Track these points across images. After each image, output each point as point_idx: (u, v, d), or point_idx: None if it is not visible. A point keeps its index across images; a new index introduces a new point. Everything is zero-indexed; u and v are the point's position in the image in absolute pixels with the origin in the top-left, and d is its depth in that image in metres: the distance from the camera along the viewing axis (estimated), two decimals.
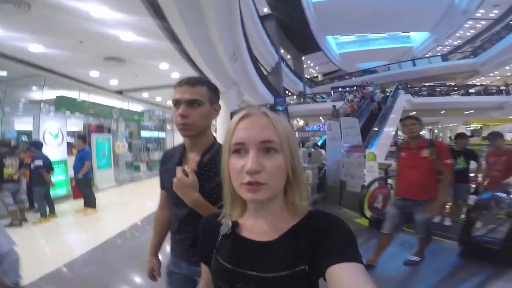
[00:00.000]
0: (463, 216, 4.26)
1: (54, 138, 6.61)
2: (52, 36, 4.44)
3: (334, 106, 12.81)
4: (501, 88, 17.81)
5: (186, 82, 0.97)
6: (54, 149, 6.46)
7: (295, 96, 21.30)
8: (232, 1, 5.55)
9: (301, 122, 21.17)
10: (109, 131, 10.85)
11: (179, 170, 0.94)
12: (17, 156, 4.64)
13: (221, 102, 3.91)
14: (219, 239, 0.62)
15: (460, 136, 4.11)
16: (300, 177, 0.56)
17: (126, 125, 11.89)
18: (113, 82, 7.71)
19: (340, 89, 22.20)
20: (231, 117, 0.59)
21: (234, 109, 0.50)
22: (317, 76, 33.35)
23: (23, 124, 8.43)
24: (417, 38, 26.18)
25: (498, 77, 22.73)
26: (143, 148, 13.60)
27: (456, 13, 19.73)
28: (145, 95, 9.79)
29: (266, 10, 18.56)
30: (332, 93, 21.29)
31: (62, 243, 3.84)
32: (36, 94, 7.68)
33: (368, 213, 4.23)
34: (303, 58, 26.32)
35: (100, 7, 3.74)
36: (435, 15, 20.62)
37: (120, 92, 8.95)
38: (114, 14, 3.94)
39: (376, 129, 10.09)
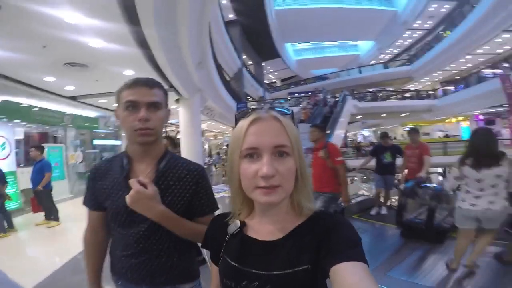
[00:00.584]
0: (392, 202, 5.25)
1: (1, 148, 6.13)
2: (13, 40, 4.28)
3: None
4: (430, 92, 20.92)
5: (144, 83, 0.91)
6: (2, 161, 6.00)
7: (255, 102, 22.05)
8: (205, 9, 5.83)
9: None
10: (55, 140, 10.15)
11: (134, 182, 0.83)
12: None
13: (184, 108, 4.70)
14: (226, 238, 0.64)
15: (384, 135, 4.95)
16: (306, 179, 0.59)
17: (78, 133, 11.21)
18: (69, 88, 7.37)
19: (296, 94, 23.67)
20: (236, 120, 0.60)
21: (240, 111, 0.57)
22: (275, 82, 34.77)
23: None
24: (364, 46, 29.10)
25: (429, 83, 26.46)
26: (96, 157, 12.86)
27: (397, 23, 22.51)
28: (102, 101, 9.43)
29: (231, 16, 19.02)
30: (289, 98, 22.58)
31: (32, 257, 3.74)
32: None
33: None
34: (263, 64, 27.33)
35: (74, 13, 3.78)
36: (379, 25, 23.25)
37: (74, 98, 8.51)
38: (88, 20, 3.99)
39: (328, 132, 11.16)
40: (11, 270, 3.10)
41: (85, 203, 1.05)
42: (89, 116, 10.80)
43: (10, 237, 4.34)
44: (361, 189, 8.56)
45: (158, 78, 6.17)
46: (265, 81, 29.06)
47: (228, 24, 17.42)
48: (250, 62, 26.16)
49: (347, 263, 0.48)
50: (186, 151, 9.37)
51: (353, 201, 5.12)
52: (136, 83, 0.90)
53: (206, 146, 21.42)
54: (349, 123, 17.48)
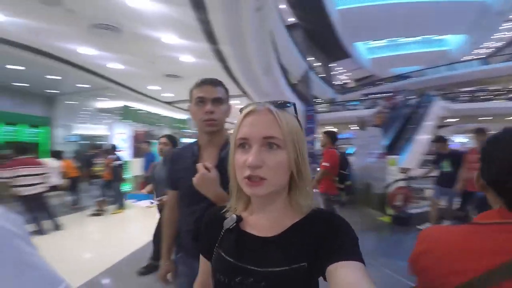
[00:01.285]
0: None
1: (124, 142, 8.17)
2: (128, 56, 5.93)
3: (360, 117, 13.36)
4: None
5: (210, 83, 1.06)
6: (124, 152, 7.98)
7: (325, 104, 21.89)
8: (265, 19, 6.50)
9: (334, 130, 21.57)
10: (152, 137, 12.54)
11: (200, 166, 0.95)
12: (103, 157, 6.02)
13: None
14: (222, 232, 0.63)
15: (439, 139, 4.39)
16: (305, 176, 0.58)
17: (171, 132, 13.58)
18: (167, 94, 9.24)
19: (372, 95, 22.37)
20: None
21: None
22: (348, 83, 33.52)
23: (94, 130, 10.29)
24: (453, 41, 25.49)
25: None
26: None
27: (491, 14, 19.19)
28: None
29: (292, 19, 19.63)
30: (364, 100, 21.55)
31: (139, 228, 5.05)
32: (106, 103, 9.45)
33: (390, 211, 4.93)
34: (332, 65, 26.87)
35: (169, 35, 5.08)
36: (467, 17, 20.20)
37: (170, 103, 10.52)
38: (179, 40, 5.27)
39: (407, 137, 10.49)
40: (123, 237, 4.30)
41: (166, 184, 1.24)
42: (180, 118, 12.95)
43: (123, 213, 5.87)
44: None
45: (233, 86, 7.27)
46: (335, 82, 28.40)
47: (290, 27, 17.92)
48: (318, 64, 26.08)
49: (345, 262, 0.49)
50: None
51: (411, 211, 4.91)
52: (204, 83, 1.07)
53: None
54: (440, 127, 15.63)
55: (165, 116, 11.61)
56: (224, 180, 0.91)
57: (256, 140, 0.54)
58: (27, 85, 8.06)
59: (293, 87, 15.08)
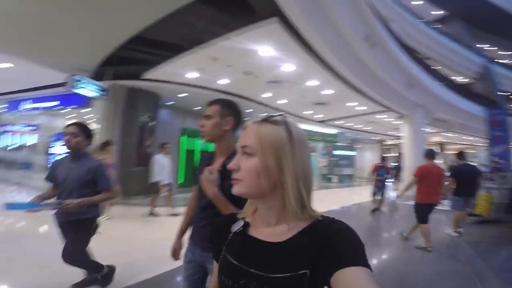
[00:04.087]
0: None
1: None
2: (288, 96, 8.86)
3: None
4: None
5: (208, 103, 1.41)
6: None
7: None
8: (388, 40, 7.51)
9: None
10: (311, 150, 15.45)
11: (206, 169, 1.24)
12: None
13: (406, 124, 8.38)
14: (229, 236, 0.70)
15: None
16: (296, 183, 0.61)
17: (324, 145, 16.14)
18: (318, 116, 11.93)
19: None
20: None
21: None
22: None
23: None
24: None
25: None
26: (335, 164, 17.36)
27: None
28: (338, 122, 13.45)
29: (441, 12, 17.05)
30: None
31: None
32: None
33: None
34: None
35: (314, 82, 7.50)
36: None
37: (322, 121, 13.15)
38: (318, 83, 7.56)
39: None
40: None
41: (191, 181, 1.66)
42: (330, 133, 15.28)
43: None
44: None
45: (373, 105, 8.74)
46: None
47: (442, 22, 15.67)
48: (504, 52, 20.24)
49: (351, 268, 0.50)
50: (408, 164, 10.71)
51: None
52: (207, 103, 1.42)
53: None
54: None
55: (319, 132, 14.29)
56: (226, 185, 1.19)
57: (239, 149, 0.66)
58: (200, 107, 12.73)
59: (462, 89, 13.54)
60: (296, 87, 7.92)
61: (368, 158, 20.16)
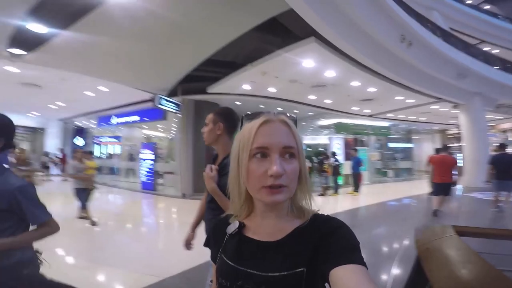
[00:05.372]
0: None
1: (338, 150, 12.24)
2: (336, 96, 9.68)
3: None
4: None
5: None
6: (339, 156, 11.99)
7: None
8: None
9: None
10: (362, 144, 15.70)
11: (207, 167, 1.44)
12: (328, 159, 10.17)
13: (463, 114, 9.31)
14: (225, 238, 0.70)
15: None
16: (307, 182, 0.65)
17: (376, 138, 16.21)
18: (367, 111, 12.36)
19: None
20: (241, 121, 0.78)
21: (246, 114, 0.87)
22: None
23: (316, 140, 15.44)
24: None
25: None
26: (390, 157, 17.20)
27: None
28: (389, 115, 13.59)
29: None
30: None
31: (346, 205, 8.51)
32: (326, 122, 14.17)
33: None
34: None
35: (356, 83, 8.21)
36: None
37: (371, 116, 13.48)
38: (360, 84, 8.24)
39: None
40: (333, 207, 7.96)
41: None
42: (383, 125, 15.34)
43: (336, 196, 9.57)
44: None
45: (423, 97, 9.07)
46: None
47: (490, 5, 14.19)
48: None
49: (347, 266, 0.51)
50: (468, 156, 10.60)
51: None
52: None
53: None
54: None
55: (370, 125, 14.54)
56: (223, 181, 1.22)
57: (276, 150, 0.60)
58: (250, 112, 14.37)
59: None
60: (339, 88, 8.76)
61: (428, 150, 19.34)
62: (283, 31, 5.97)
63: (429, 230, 1.37)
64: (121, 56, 6.40)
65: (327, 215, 0.66)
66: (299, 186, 0.64)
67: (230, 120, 1.65)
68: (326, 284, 0.55)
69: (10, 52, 5.95)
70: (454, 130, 19.28)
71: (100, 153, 18.09)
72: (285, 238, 0.63)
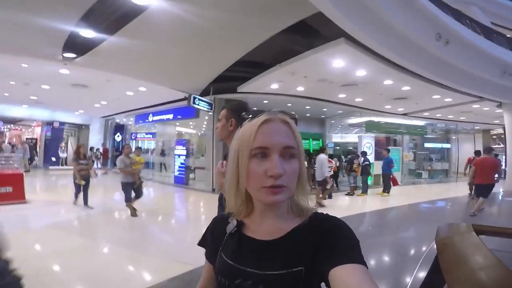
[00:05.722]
0: None
1: (368, 149, 12.00)
2: (368, 95, 9.55)
3: None
4: None
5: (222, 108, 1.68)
6: (369, 156, 11.76)
7: None
8: None
9: None
10: (395, 143, 15.17)
11: (219, 162, 1.42)
12: (357, 159, 10.04)
13: (506, 112, 9.04)
14: (225, 237, 0.71)
15: None
16: (305, 181, 0.66)
17: (411, 138, 15.58)
18: (400, 109, 11.98)
19: None
20: (241, 121, 0.68)
21: (245, 113, 0.70)
22: None
23: (346, 138, 15.20)
24: None
25: None
26: (426, 157, 16.45)
27: None
28: (425, 114, 13.05)
29: None
30: None
31: (373, 205, 8.39)
32: (356, 120, 13.92)
33: None
34: None
35: (389, 81, 8.03)
36: None
37: (405, 114, 13.03)
38: (391, 82, 8.05)
39: None
40: (357, 206, 7.96)
41: None
42: (418, 125, 14.71)
43: (365, 196, 9.45)
44: None
45: (461, 95, 8.65)
46: None
47: None
48: None
49: (347, 265, 0.51)
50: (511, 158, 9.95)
51: None
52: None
53: None
54: None
55: (404, 124, 14.02)
56: None
57: (276, 150, 0.59)
58: (309, 114, 14.15)
59: None
60: (371, 87, 8.64)
61: (469, 151, 18.22)
62: (313, 32, 6.05)
63: (448, 227, 1.44)
64: (160, 59, 6.91)
65: (327, 214, 0.66)
66: (299, 186, 0.64)
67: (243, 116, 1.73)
68: (322, 284, 0.58)
69: (64, 56, 6.70)
70: (499, 130, 17.99)
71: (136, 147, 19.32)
72: (284, 237, 0.63)
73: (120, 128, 19.29)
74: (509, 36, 9.81)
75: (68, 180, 12.99)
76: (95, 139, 18.03)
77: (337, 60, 6.47)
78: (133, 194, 5.94)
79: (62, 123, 17.23)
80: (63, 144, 17.07)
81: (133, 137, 19.55)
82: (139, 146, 9.87)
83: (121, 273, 3.32)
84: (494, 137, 18.68)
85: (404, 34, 5.90)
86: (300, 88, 8.83)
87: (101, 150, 17.29)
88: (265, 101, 10.03)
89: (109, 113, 16.34)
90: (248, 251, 0.65)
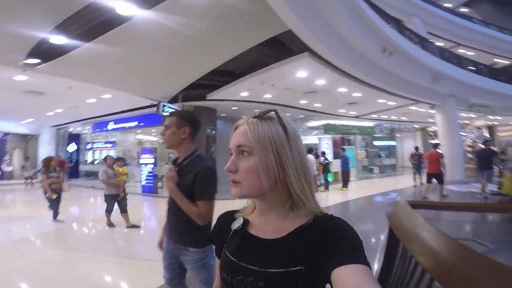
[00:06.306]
0: None
1: (327, 149, 13.19)
2: (326, 102, 10.61)
3: None
4: None
5: (168, 115, 1.71)
6: (328, 155, 12.90)
7: None
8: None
9: None
10: (349, 142, 16.82)
11: (168, 168, 1.52)
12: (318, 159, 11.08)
13: (439, 113, 10.71)
14: (230, 234, 0.73)
15: None
16: (307, 181, 0.65)
17: (362, 138, 17.37)
18: (352, 112, 13.45)
19: None
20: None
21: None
22: None
23: (306, 140, 16.40)
24: None
25: None
26: (376, 154, 18.43)
27: None
28: (373, 116, 14.75)
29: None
30: None
31: (336, 199, 9.40)
32: (315, 123, 15.12)
33: None
34: None
35: (343, 89, 9.15)
36: None
37: (356, 117, 14.58)
38: (347, 91, 9.21)
39: None
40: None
41: None
42: (368, 125, 16.50)
43: (327, 192, 10.47)
44: None
45: (401, 99, 10.11)
46: None
47: (471, 5, 15.70)
48: None
49: (350, 266, 0.51)
50: (444, 152, 11.72)
51: None
52: (167, 115, 1.73)
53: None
54: None
55: (356, 126, 15.66)
56: (182, 181, 1.50)
57: (233, 149, 0.66)
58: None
59: (497, 72, 13.89)
60: (328, 94, 9.72)
61: (411, 147, 20.76)
62: (281, 47, 6.84)
63: (394, 204, 2.01)
64: (133, 68, 7.02)
65: (330, 215, 0.66)
66: (299, 186, 0.64)
67: (196, 124, 1.67)
68: (327, 285, 0.56)
69: (25, 62, 6.28)
70: (434, 128, 20.77)
71: (93, 158, 18.37)
72: (286, 236, 0.64)
73: (74, 137, 18.15)
74: (441, 44, 11.61)
75: (16, 195, 12.07)
76: (45, 151, 16.68)
77: (301, 71, 7.31)
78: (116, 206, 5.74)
79: (6, 134, 15.76)
80: (7, 157, 15.61)
81: (88, 147, 18.54)
82: (120, 156, 9.53)
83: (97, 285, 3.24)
84: (431, 134, 21.50)
85: (357, 48, 6.94)
86: (268, 96, 9.57)
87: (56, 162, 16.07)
88: (233, 108, 10.54)
89: (63, 122, 15.35)
90: (251, 248, 0.67)
